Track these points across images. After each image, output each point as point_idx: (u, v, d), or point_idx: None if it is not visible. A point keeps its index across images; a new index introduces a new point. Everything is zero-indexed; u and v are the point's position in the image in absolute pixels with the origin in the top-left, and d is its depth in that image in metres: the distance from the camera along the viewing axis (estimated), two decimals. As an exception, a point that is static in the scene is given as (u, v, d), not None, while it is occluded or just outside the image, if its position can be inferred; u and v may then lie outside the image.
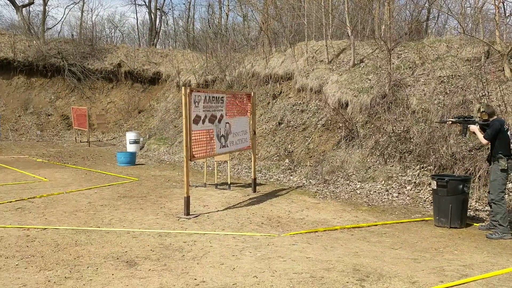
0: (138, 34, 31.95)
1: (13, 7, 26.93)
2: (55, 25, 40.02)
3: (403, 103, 10.62)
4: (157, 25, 30.53)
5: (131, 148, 18.27)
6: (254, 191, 9.26)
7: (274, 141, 13.16)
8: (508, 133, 5.92)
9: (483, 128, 6.15)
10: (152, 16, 30.13)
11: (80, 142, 21.20)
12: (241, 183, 10.40)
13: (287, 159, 12.02)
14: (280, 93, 15.30)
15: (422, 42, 13.06)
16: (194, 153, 7.21)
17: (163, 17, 31.59)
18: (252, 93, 9.50)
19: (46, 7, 26.77)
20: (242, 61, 18.90)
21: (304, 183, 10.29)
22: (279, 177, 11.13)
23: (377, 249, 5.47)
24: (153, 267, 4.71)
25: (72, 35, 26.16)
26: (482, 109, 6.15)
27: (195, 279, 4.38)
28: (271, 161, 12.39)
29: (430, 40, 13.00)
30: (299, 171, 11.24)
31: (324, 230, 6.30)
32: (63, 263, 4.76)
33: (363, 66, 13.08)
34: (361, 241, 5.81)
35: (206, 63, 21.03)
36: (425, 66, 11.53)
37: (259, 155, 12.76)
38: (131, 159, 14.00)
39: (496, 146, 5.90)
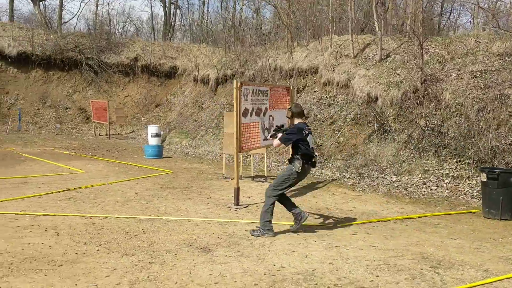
0: (153, 28, 32.02)
1: (30, 1, 27.02)
2: (71, 19, 40.08)
3: (435, 97, 10.73)
4: (171, 19, 30.59)
5: (152, 141, 18.40)
6: (293, 183, 9.38)
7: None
8: (308, 138, 5.64)
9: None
10: (167, 10, 30.22)
11: (99, 135, 21.36)
12: (275, 176, 10.53)
13: (316, 153, 12.13)
14: (305, 87, 15.40)
15: (449, 37, 13.14)
16: (243, 145, 7.35)
17: (178, 11, 31.66)
18: (291, 86, 9.61)
19: (63, 1, 26.85)
20: (262, 55, 19.02)
21: (338, 176, 10.43)
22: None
23: (436, 239, 5.62)
24: (228, 253, 4.87)
25: (89, 28, 26.24)
26: (288, 107, 6.01)
27: (274, 265, 4.54)
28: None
29: (458, 35, 13.08)
30: (330, 164, 11.37)
31: (378, 221, 6.45)
32: (141, 249, 4.92)
33: (390, 61, 13.17)
34: (418, 231, 5.96)
35: (225, 58, 21.13)
36: (455, 60, 11.62)
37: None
38: (159, 152, 14.16)
39: (294, 150, 5.72)
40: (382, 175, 9.93)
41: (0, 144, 15.98)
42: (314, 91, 14.80)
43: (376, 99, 12.06)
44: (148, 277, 4.13)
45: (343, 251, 5.00)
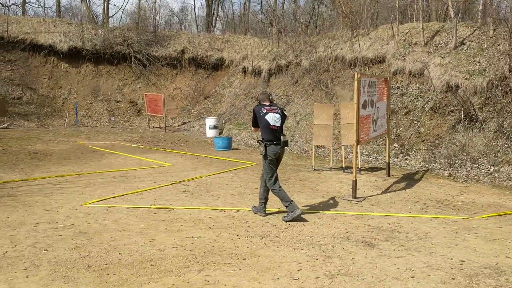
0: (196, 20, 32.10)
1: (77, -4, 27.35)
2: (116, 13, 40.29)
3: (527, 85, 10.46)
4: (213, 10, 30.59)
5: (210, 133, 18.57)
6: (389, 175, 9.34)
7: (374, 125, 13.16)
8: (266, 117, 5.70)
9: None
10: (209, 1, 30.18)
11: (153, 128, 21.61)
12: (364, 167, 10.48)
13: (395, 143, 12.02)
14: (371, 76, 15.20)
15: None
16: (360, 137, 7.32)
17: (220, 3, 31.60)
18: (388, 77, 9.50)
19: (108, -5, 27.09)
20: (317, 45, 18.87)
21: (427, 166, 10.31)
22: (393, 160, 11.16)
23: None
24: (393, 247, 4.86)
25: (136, 22, 26.44)
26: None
27: (451, 259, 4.51)
28: (376, 145, 12.42)
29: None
30: (414, 154, 11.25)
31: (512, 213, 6.36)
32: (305, 243, 4.95)
33: (467, 48, 12.88)
34: (562, 223, 5.85)
35: (277, 48, 21.04)
36: (542, 47, 11.29)
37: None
38: (228, 144, 14.25)
39: (260, 132, 5.85)
40: (476, 165, 9.77)
41: (66, 138, 16.30)
42: (382, 81, 14.58)
43: (457, 87, 11.83)
44: (339, 270, 4.16)
45: (508, 244, 4.94)
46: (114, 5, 58.11)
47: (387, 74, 14.64)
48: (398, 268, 4.24)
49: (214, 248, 4.72)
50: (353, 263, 4.38)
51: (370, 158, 11.58)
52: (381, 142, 12.41)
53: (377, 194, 7.61)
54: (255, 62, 21.94)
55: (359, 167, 9.89)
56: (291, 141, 15.06)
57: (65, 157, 11.63)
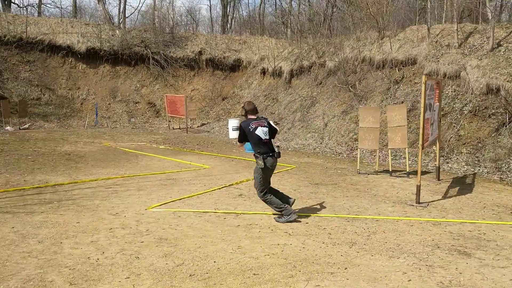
0: (211, 21, 31.95)
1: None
2: (131, 13, 40.07)
3: None
4: (228, 11, 30.45)
5: (233, 134, 18.42)
6: (438, 178, 9.19)
7: (409, 127, 13.00)
8: (256, 132, 5.74)
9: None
10: (225, 2, 30.05)
11: (173, 129, 21.48)
12: (407, 171, 10.33)
13: (434, 146, 11.85)
14: (402, 78, 15.07)
15: None
16: (425, 140, 7.16)
17: (236, 4, 31.50)
18: (440, 80, 9.34)
19: (125, -4, 26.98)
20: (341, 46, 18.74)
21: (472, 170, 10.15)
22: (434, 164, 11.01)
23: None
24: (489, 256, 4.71)
25: (154, 23, 26.32)
26: (243, 104, 6.06)
27: (558, 269, 4.36)
28: (413, 148, 12.26)
29: None
30: (455, 158, 11.10)
31: None
32: (397, 251, 4.80)
33: (505, 50, 12.74)
34: None
35: (300, 49, 20.90)
36: None
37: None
38: (260, 146, 14.07)
39: (252, 146, 5.85)
40: (525, 169, 9.61)
41: (91, 139, 16.16)
42: (415, 83, 14.46)
43: (498, 90, 11.67)
44: (450, 281, 4.01)
45: None
46: (130, 5, 57.84)
47: (419, 76, 14.50)
48: (511, 279, 4.09)
49: (308, 257, 4.57)
50: (460, 273, 4.22)
51: (410, 162, 11.41)
52: (416, 145, 12.25)
53: (439, 199, 7.46)
54: (276, 63, 21.79)
55: (408, 170, 9.73)
56: (320, 143, 14.92)
57: (100, 159, 11.48)
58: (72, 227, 5.47)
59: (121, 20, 27.57)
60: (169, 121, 22.09)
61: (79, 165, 10.41)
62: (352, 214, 6.39)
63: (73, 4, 27.84)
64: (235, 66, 25.51)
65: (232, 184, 8.45)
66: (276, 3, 30.75)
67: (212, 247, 4.81)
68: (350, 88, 16.37)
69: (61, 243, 4.87)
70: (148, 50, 24.65)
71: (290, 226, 5.70)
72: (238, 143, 6.07)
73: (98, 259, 4.39)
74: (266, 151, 5.77)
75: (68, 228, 5.42)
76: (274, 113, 19.66)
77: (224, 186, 8.26)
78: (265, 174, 5.83)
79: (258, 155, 5.76)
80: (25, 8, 29.15)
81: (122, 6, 27.31)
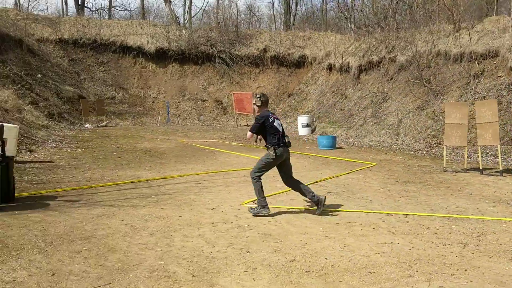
0: (274, 18, 32.03)
1: (162, -2, 28.09)
2: (196, 13, 41.17)
3: None
4: (291, 7, 30.36)
5: (303, 131, 18.37)
6: (536, 177, 8.63)
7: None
8: (275, 123, 5.93)
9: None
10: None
11: (240, 125, 21.76)
12: (500, 169, 9.80)
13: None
14: (483, 72, 14.31)
15: None
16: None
17: (298, 0, 31.32)
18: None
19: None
20: (412, 40, 18.08)
21: None
22: (524, 161, 10.37)
23: None
24: None
25: (218, 22, 26.80)
26: (257, 95, 6.09)
27: None
28: (501, 144, 11.60)
29: None
30: (550, 155, 10.37)
31: None
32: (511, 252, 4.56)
33: None
34: None
35: (368, 44, 20.44)
36: None
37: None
38: (333, 143, 13.95)
39: (266, 138, 5.97)
40: None
41: (166, 136, 16.72)
42: (498, 76, 13.68)
43: None
44: None
45: None
46: (195, 5, 59.31)
47: (503, 70, 13.71)
48: None
49: (421, 257, 4.44)
50: None
51: (498, 159, 10.81)
52: (506, 142, 11.60)
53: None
54: (343, 58, 21.45)
55: (501, 168, 9.22)
56: (396, 140, 14.52)
57: (180, 155, 11.85)
58: (176, 221, 5.67)
59: (187, 20, 28.28)
60: (237, 118, 22.40)
61: (163, 161, 10.80)
62: (451, 213, 6.15)
63: (141, 6, 28.93)
64: (300, 63, 25.43)
65: (317, 182, 8.41)
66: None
67: (318, 244, 4.80)
68: (425, 83, 15.77)
69: (171, 235, 5.07)
70: (214, 48, 25.14)
71: (390, 224, 5.58)
72: (250, 133, 6.07)
73: (211, 253, 4.52)
74: (279, 142, 5.91)
75: (172, 222, 5.63)
76: (343, 109, 19.39)
77: (309, 183, 8.23)
78: (273, 164, 5.98)
79: (270, 146, 5.91)
80: (96, 11, 30.60)
81: (187, 6, 27.94)
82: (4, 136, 6.65)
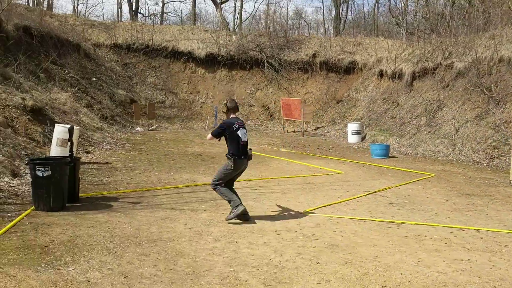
0: (324, 23, 31.84)
1: (213, 5, 28.60)
2: (246, 18, 41.75)
3: None
4: (341, 12, 30.06)
5: (353, 139, 18.01)
6: None
7: None
8: (238, 132, 5.78)
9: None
10: (337, 4, 29.71)
11: (287, 132, 21.62)
12: None
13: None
14: (552, 80, 13.50)
15: None
16: None
17: (349, 5, 31.00)
18: None
19: (242, 2, 27.88)
20: (472, 46, 17.34)
21: None
22: None
23: None
24: None
25: (268, 28, 26.89)
26: (225, 101, 6.02)
27: None
28: None
29: None
30: None
31: None
32: None
33: None
34: None
35: (423, 50, 19.83)
36: None
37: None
38: (386, 152, 13.56)
39: (228, 145, 5.84)
40: None
41: (214, 141, 16.81)
42: None
43: None
44: None
45: None
46: (245, 10, 60.16)
47: None
48: None
49: (505, 277, 4.15)
50: None
51: None
52: None
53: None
54: (396, 65, 20.90)
55: None
56: (453, 150, 13.94)
57: (232, 160, 11.84)
58: (239, 227, 5.62)
59: (237, 25, 28.53)
60: (284, 124, 22.29)
61: (215, 166, 10.83)
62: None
63: (193, 12, 29.47)
64: (350, 69, 25.02)
65: (376, 192, 8.15)
66: (390, 3, 29.54)
67: (390, 258, 4.60)
68: (485, 91, 15.07)
69: (236, 242, 5.01)
70: (263, 54, 25.18)
71: (465, 240, 5.28)
72: (210, 136, 6.00)
73: (280, 262, 4.42)
74: (239, 153, 5.80)
75: (235, 228, 5.58)
76: (395, 117, 18.88)
77: (368, 193, 8.00)
78: (232, 174, 5.87)
79: (230, 156, 5.78)
80: (149, 17, 31.46)
81: (237, 12, 28.22)
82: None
